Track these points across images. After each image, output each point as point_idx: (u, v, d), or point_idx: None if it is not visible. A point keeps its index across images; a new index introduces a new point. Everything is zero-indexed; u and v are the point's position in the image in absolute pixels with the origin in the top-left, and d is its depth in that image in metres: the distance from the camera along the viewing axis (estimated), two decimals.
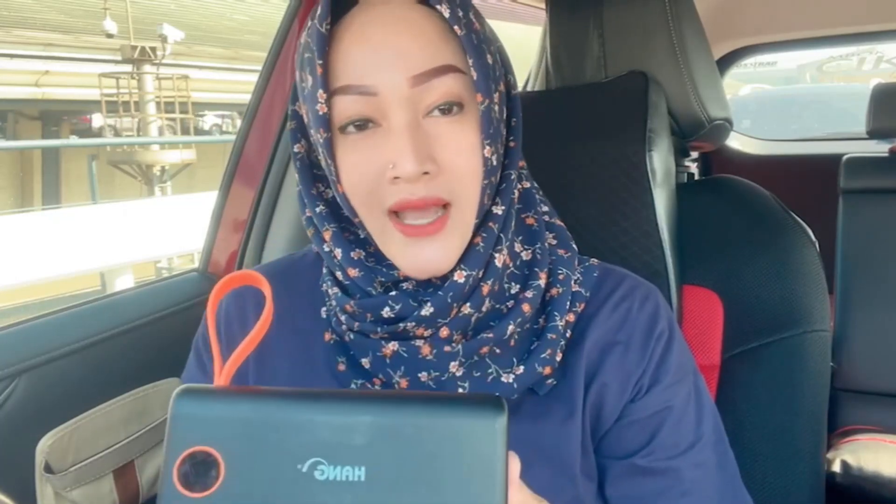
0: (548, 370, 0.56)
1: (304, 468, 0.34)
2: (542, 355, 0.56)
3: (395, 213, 0.53)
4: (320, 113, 0.52)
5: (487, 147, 0.54)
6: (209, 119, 12.41)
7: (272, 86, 1.07)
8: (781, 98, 6.54)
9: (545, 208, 0.64)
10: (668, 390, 0.59)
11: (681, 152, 0.98)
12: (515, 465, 0.39)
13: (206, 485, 0.34)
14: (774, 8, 2.00)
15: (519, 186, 0.61)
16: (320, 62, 0.51)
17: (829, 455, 1.14)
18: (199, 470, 0.34)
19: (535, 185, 0.64)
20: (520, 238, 0.60)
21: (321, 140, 0.53)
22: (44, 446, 0.74)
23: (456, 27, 0.52)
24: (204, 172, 10.43)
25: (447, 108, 0.52)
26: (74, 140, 11.35)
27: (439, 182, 0.52)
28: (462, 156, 0.53)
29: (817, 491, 0.80)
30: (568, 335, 0.59)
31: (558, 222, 0.64)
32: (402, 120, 0.51)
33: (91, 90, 10.07)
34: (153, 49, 9.96)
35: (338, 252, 0.57)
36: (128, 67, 10.19)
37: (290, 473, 0.34)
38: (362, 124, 0.52)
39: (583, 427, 0.58)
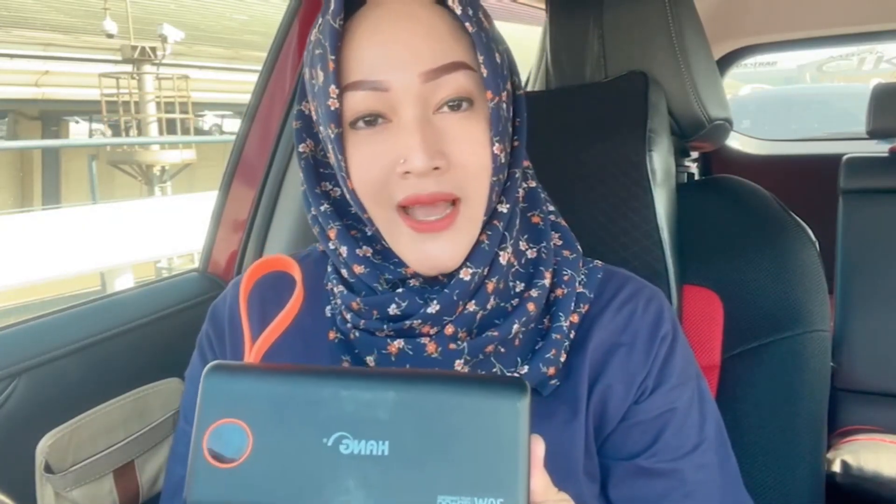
0: (552, 370, 0.57)
1: (329, 442, 0.35)
2: (547, 355, 0.56)
3: (404, 209, 0.53)
4: (332, 108, 0.52)
5: (497, 144, 0.54)
6: (209, 119, 12.41)
7: (272, 86, 1.07)
8: (781, 98, 6.52)
9: (550, 208, 0.64)
10: (672, 392, 0.59)
11: (681, 152, 0.98)
12: (539, 447, 0.39)
13: (234, 456, 0.35)
14: (774, 8, 2.00)
15: (525, 185, 0.62)
16: (332, 58, 0.52)
17: (829, 455, 1.14)
18: (227, 442, 0.35)
19: (540, 185, 0.64)
20: (525, 237, 0.61)
21: (332, 135, 0.53)
22: (44, 446, 0.74)
23: (467, 24, 0.53)
24: (204, 172, 10.43)
25: (457, 105, 0.53)
26: (74, 140, 11.34)
27: (449, 178, 0.52)
28: (472, 151, 0.53)
29: (817, 491, 0.80)
30: (572, 336, 0.59)
31: (563, 223, 0.65)
32: (412, 115, 0.52)
33: (91, 90, 10.06)
34: (153, 49, 9.95)
35: (343, 250, 0.57)
36: (128, 67, 10.18)
37: (315, 447, 0.35)
38: (372, 120, 0.53)
39: (586, 428, 0.58)
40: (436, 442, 0.35)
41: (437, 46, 0.52)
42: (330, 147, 0.55)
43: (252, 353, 0.40)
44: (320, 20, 0.55)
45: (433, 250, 0.53)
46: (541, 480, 0.39)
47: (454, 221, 0.53)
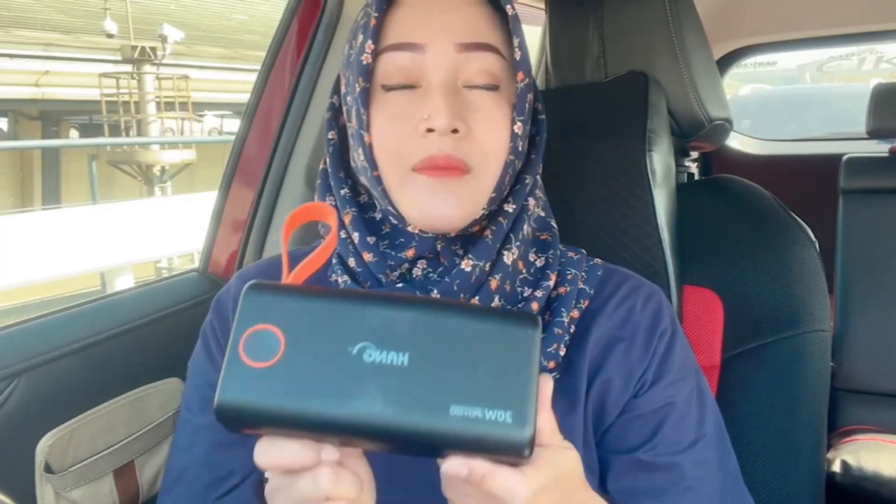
0: (551, 364, 0.58)
1: (353, 350, 0.38)
2: (547, 349, 0.57)
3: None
4: (364, 63, 0.55)
5: (518, 123, 0.57)
6: (208, 121, 12.35)
7: (271, 85, 1.07)
8: (781, 98, 6.52)
9: (555, 230, 0.66)
10: (671, 387, 0.60)
11: (681, 152, 0.98)
12: (548, 386, 0.41)
13: (267, 357, 0.38)
14: (774, 8, 2.00)
15: (537, 212, 0.64)
16: (376, 14, 0.55)
17: (829, 455, 1.14)
18: (261, 345, 0.38)
19: (551, 215, 0.66)
20: (534, 249, 0.62)
21: (358, 90, 0.56)
22: (44, 446, 0.74)
23: (508, 7, 0.56)
24: (204, 172, 10.43)
25: (483, 87, 0.56)
26: (74, 140, 11.34)
27: (466, 145, 0.54)
28: (491, 126, 0.56)
29: (817, 491, 0.80)
30: (572, 331, 0.60)
31: (563, 246, 0.66)
32: (442, 79, 0.55)
33: (91, 90, 10.06)
34: (153, 49, 9.95)
35: (355, 236, 0.59)
36: (128, 67, 10.18)
37: (341, 354, 0.38)
38: (403, 87, 0.56)
39: (585, 421, 0.59)
40: (452, 358, 0.38)
41: (475, 25, 0.56)
42: (354, 108, 0.57)
43: (289, 279, 0.42)
44: None
45: (439, 204, 0.55)
46: (548, 421, 0.41)
47: (463, 177, 0.55)
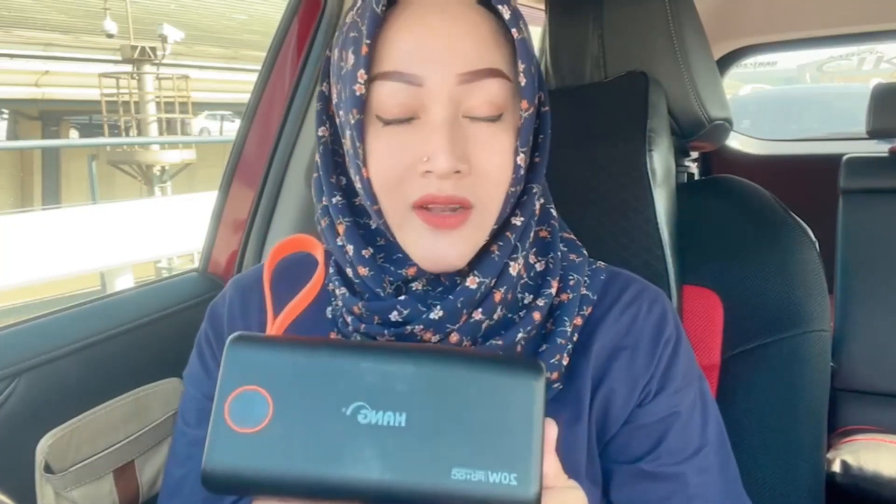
0: (555, 375, 0.56)
1: (347, 411, 0.35)
2: (551, 360, 0.56)
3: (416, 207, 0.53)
4: (357, 94, 0.51)
5: (521, 155, 0.54)
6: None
7: (272, 85, 1.07)
8: (781, 98, 6.52)
9: (555, 223, 0.64)
10: (676, 396, 0.59)
11: (681, 152, 0.98)
12: (553, 431, 0.39)
13: (255, 423, 0.35)
14: (774, 8, 2.00)
15: (539, 202, 0.61)
16: (368, 42, 0.50)
17: (829, 455, 1.14)
18: (249, 408, 0.36)
19: (551, 201, 0.64)
20: (534, 250, 0.60)
21: (352, 121, 0.52)
22: (44, 446, 0.74)
23: (514, 30, 0.52)
24: (204, 172, 10.43)
25: (486, 118, 0.52)
26: (74, 140, 11.35)
27: (467, 183, 0.51)
28: (494, 160, 0.52)
29: (817, 491, 0.80)
30: (574, 339, 0.59)
31: (567, 235, 0.64)
32: (442, 115, 0.50)
33: (91, 90, 10.07)
34: (153, 49, 9.95)
35: (350, 248, 0.56)
36: (128, 67, 10.18)
37: (334, 416, 0.35)
38: (401, 120, 0.52)
39: (588, 431, 0.58)
40: (452, 416, 0.36)
41: (477, 49, 0.51)
42: (348, 133, 0.53)
43: (275, 326, 0.40)
44: (359, 3, 0.53)
45: (440, 247, 0.52)
46: (552, 465, 0.39)
47: (465, 222, 0.52)
